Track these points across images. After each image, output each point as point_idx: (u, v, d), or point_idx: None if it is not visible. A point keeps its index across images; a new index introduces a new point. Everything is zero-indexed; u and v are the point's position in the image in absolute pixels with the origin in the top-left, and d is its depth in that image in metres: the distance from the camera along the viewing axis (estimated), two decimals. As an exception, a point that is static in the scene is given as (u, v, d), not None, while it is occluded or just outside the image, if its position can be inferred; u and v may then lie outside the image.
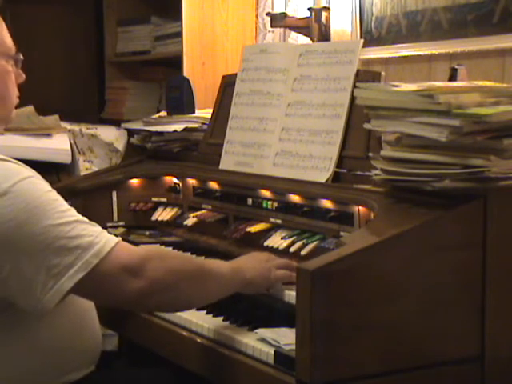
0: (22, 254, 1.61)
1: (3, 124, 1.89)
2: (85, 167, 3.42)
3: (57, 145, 3.23)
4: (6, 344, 1.72)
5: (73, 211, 1.68)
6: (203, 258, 2.19)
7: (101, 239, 1.64)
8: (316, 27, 2.76)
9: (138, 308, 1.88)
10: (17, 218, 1.61)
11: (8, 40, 1.84)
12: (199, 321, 1.87)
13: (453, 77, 2.15)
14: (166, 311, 1.90)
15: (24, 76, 1.89)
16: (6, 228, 1.61)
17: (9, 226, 1.61)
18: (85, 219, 1.68)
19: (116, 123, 3.65)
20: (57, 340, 1.78)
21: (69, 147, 3.23)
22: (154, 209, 2.65)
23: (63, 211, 1.65)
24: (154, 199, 2.66)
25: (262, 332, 1.72)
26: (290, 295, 1.83)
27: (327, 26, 2.79)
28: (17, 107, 1.89)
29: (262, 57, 2.48)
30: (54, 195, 1.68)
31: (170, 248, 2.36)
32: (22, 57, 1.87)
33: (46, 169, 3.06)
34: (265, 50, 2.51)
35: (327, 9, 2.82)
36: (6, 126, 1.88)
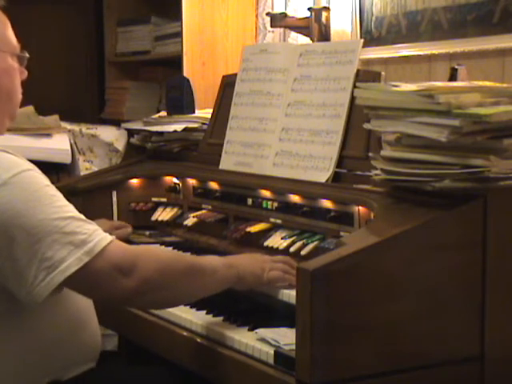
0: (16, 244, 1.63)
1: (10, 120, 1.92)
2: (85, 167, 3.41)
3: (57, 145, 3.23)
4: (6, 337, 1.73)
5: (70, 207, 1.69)
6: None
7: (94, 238, 1.65)
8: (316, 27, 2.76)
9: (130, 306, 1.90)
10: (14, 208, 1.63)
11: (13, 38, 1.89)
12: (199, 321, 1.87)
13: (453, 77, 2.15)
14: (158, 308, 1.92)
15: (26, 73, 1.93)
16: (4, 218, 1.63)
17: (6, 216, 1.63)
18: (81, 216, 1.69)
19: (116, 123, 3.66)
20: (55, 334, 1.78)
21: (69, 147, 3.23)
22: (154, 209, 2.65)
23: (59, 206, 1.67)
24: (153, 199, 2.66)
25: (262, 332, 1.72)
26: (290, 295, 1.83)
27: (327, 26, 2.79)
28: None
29: (262, 57, 2.48)
30: (52, 190, 1.70)
31: (170, 248, 2.36)
32: (27, 55, 1.91)
33: (46, 169, 3.04)
34: (265, 50, 2.51)
35: (327, 9, 2.81)
36: (11, 123, 1.92)
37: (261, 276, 1.84)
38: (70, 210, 1.69)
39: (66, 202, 1.70)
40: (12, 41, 1.88)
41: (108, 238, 1.68)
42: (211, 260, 1.84)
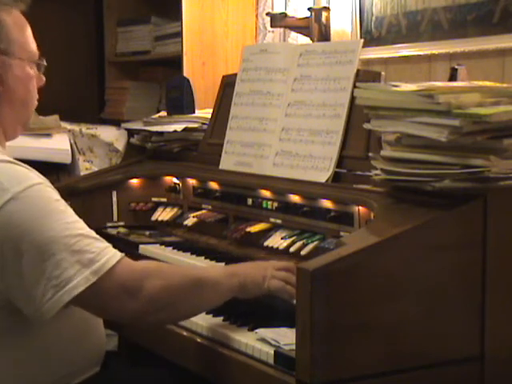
0: (25, 260, 1.62)
1: (24, 128, 1.94)
2: (85, 167, 3.41)
3: (57, 145, 3.23)
4: (15, 347, 1.73)
5: (80, 224, 1.69)
6: (203, 259, 2.20)
7: (102, 257, 1.64)
8: (316, 27, 2.76)
9: (137, 325, 1.90)
10: (23, 224, 1.62)
11: (33, 45, 1.90)
12: (199, 321, 1.86)
13: (453, 77, 2.15)
14: (165, 325, 1.90)
15: (44, 79, 1.95)
16: (14, 234, 1.62)
17: (17, 231, 1.62)
18: (91, 233, 1.68)
19: (116, 123, 3.65)
20: (64, 341, 1.79)
21: (69, 147, 3.23)
22: (154, 209, 2.65)
23: (69, 223, 1.66)
24: (153, 199, 2.66)
25: (262, 332, 1.72)
26: (290, 295, 1.82)
27: (327, 26, 2.79)
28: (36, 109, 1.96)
29: (261, 57, 2.48)
30: (62, 205, 1.69)
31: (170, 248, 2.36)
32: (45, 63, 1.93)
33: (46, 169, 3.05)
34: (265, 50, 2.51)
35: (327, 9, 2.81)
36: (24, 130, 1.94)
37: (261, 284, 1.80)
38: (80, 226, 1.68)
39: (76, 218, 1.69)
40: (31, 48, 1.89)
41: (117, 256, 1.67)
42: (213, 271, 1.84)
